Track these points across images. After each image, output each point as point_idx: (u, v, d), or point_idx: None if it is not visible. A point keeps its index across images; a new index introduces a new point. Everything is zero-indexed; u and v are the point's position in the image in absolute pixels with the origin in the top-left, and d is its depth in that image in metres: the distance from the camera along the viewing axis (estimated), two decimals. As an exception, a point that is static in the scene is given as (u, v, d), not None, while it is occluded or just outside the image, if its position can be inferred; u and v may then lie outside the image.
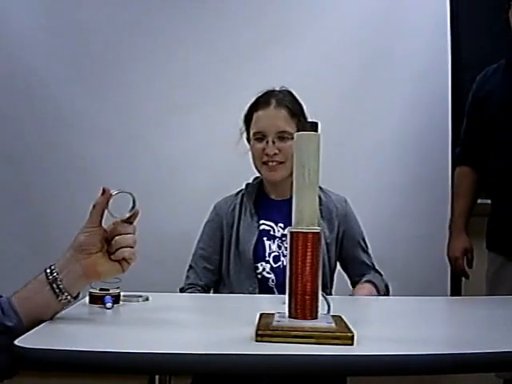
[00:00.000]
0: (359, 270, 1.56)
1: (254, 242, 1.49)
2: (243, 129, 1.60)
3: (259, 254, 1.50)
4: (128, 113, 2.13)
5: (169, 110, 2.13)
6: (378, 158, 2.15)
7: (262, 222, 1.54)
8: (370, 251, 1.60)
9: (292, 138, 1.44)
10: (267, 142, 1.49)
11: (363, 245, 1.58)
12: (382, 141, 2.15)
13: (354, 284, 1.54)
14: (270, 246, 1.51)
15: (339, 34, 2.16)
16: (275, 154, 1.49)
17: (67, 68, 2.11)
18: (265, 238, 1.52)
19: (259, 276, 1.49)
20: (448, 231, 1.90)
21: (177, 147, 2.12)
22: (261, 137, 1.51)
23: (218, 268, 1.56)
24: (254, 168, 1.57)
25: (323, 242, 1.50)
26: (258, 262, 1.49)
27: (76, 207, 2.11)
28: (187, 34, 2.14)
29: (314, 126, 0.88)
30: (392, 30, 2.17)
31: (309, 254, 0.84)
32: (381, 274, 1.57)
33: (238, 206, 1.56)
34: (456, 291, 2.10)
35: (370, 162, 2.13)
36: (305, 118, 1.52)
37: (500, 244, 1.75)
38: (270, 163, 1.50)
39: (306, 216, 0.85)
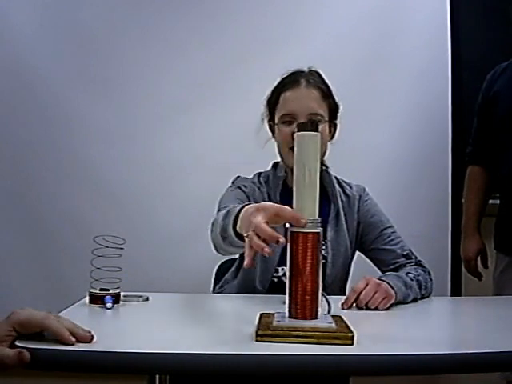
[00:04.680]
0: (388, 259, 1.39)
1: None
2: (265, 114, 1.45)
3: (282, 257, 1.34)
4: (130, 113, 2.12)
5: (172, 109, 2.12)
6: (378, 157, 2.14)
7: None
8: (399, 240, 1.42)
9: (324, 122, 1.36)
10: None
11: (389, 233, 1.42)
12: (381, 140, 2.14)
13: None
14: None
15: (338, 33, 2.15)
16: None
17: (69, 68, 2.11)
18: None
19: (275, 280, 1.37)
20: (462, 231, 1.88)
21: (180, 147, 2.12)
22: (290, 120, 1.36)
23: None
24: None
25: (348, 244, 1.40)
26: (279, 265, 1.37)
27: (78, 207, 2.13)
28: (190, 33, 2.13)
29: (314, 126, 0.88)
30: (392, 29, 2.16)
31: (309, 254, 0.84)
32: (419, 264, 1.38)
33: (265, 197, 1.41)
34: (456, 291, 2.10)
35: (369, 161, 2.13)
36: (334, 101, 1.43)
37: (507, 244, 1.74)
38: None
39: (305, 216, 0.85)
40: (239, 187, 1.43)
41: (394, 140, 2.16)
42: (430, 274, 1.37)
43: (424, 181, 2.15)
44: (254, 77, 1.99)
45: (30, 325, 0.77)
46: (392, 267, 1.37)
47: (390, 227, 1.44)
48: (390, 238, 1.42)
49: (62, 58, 2.10)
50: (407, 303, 1.21)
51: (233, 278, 1.46)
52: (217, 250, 1.26)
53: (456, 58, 2.18)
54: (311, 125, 0.88)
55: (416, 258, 1.40)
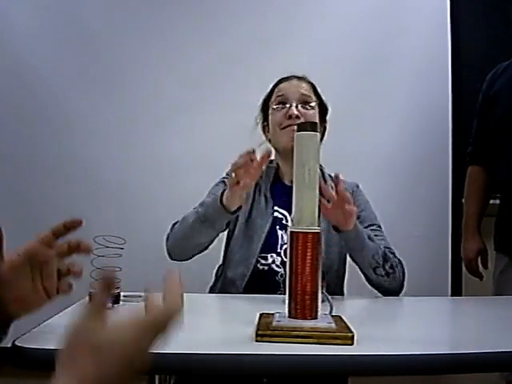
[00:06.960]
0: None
1: (267, 229, 1.38)
2: (258, 118, 1.53)
3: (271, 244, 1.38)
4: (130, 113, 2.12)
5: (172, 109, 2.12)
6: (378, 157, 2.14)
7: (275, 208, 1.42)
8: (385, 238, 1.41)
9: (315, 107, 1.44)
10: (290, 107, 1.41)
11: (375, 229, 1.42)
12: (381, 140, 2.14)
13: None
14: (283, 237, 1.38)
15: (338, 33, 2.15)
16: (298, 116, 1.38)
17: (69, 68, 2.10)
18: (277, 227, 1.40)
19: (266, 268, 1.37)
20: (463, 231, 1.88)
21: (180, 147, 2.12)
22: (282, 101, 1.43)
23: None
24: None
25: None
26: (268, 253, 1.37)
27: (78, 207, 2.13)
28: (190, 33, 2.13)
29: (313, 126, 0.88)
30: (392, 29, 2.16)
31: (309, 254, 0.84)
32: (396, 258, 1.37)
33: (254, 188, 1.44)
34: (456, 291, 2.10)
35: (369, 161, 2.12)
36: (323, 103, 1.49)
37: (507, 244, 1.74)
38: (293, 126, 1.38)
39: (305, 216, 0.85)
40: (223, 181, 1.48)
41: (393, 140, 2.15)
42: (403, 272, 1.37)
43: (424, 181, 2.14)
44: (254, 77, 1.99)
45: None
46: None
47: (375, 225, 1.44)
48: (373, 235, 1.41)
49: (62, 58, 2.10)
50: (365, 259, 1.27)
51: (218, 278, 1.48)
52: (174, 255, 1.43)
53: (456, 58, 2.18)
54: (311, 125, 0.89)
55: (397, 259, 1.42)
